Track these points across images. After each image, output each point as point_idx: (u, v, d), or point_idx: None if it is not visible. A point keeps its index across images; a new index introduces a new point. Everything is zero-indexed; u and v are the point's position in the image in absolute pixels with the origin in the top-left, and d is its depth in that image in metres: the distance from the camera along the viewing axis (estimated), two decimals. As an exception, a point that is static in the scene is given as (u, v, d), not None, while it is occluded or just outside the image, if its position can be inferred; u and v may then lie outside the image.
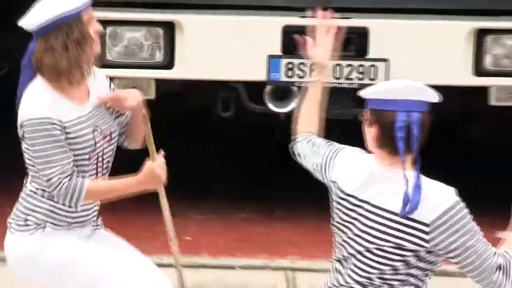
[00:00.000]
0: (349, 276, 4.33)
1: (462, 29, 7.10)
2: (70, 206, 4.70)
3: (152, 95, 7.06)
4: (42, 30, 4.65)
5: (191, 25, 7.19)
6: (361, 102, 6.71)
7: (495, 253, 4.19)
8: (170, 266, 5.68)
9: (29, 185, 4.80)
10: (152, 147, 4.82)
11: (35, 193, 4.76)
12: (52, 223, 4.79)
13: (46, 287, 4.89)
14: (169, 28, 7.16)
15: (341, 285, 4.36)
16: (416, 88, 4.23)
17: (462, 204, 4.14)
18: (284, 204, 7.90)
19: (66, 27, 4.65)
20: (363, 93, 4.25)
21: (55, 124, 4.58)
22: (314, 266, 6.65)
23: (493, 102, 7.15)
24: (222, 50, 7.19)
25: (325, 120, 7.26)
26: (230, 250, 7.11)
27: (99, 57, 4.99)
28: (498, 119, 8.33)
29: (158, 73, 7.09)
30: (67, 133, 4.63)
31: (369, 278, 4.31)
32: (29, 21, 4.70)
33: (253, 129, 8.70)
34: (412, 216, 4.13)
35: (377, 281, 4.30)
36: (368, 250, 4.25)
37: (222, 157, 9.17)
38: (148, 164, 4.65)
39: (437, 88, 4.36)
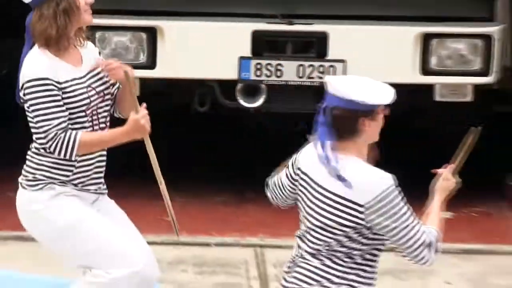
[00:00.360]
0: (302, 247, 4.37)
1: (410, 33, 7.19)
2: (65, 157, 4.73)
3: (137, 93, 7.10)
4: (37, 1, 4.70)
5: (170, 30, 7.27)
6: (322, 98, 6.97)
7: (423, 232, 4.25)
8: (153, 244, 5.67)
9: (33, 145, 4.84)
10: (135, 101, 4.83)
11: (38, 150, 4.80)
12: (59, 181, 4.81)
13: (48, 242, 4.93)
14: (152, 33, 7.25)
15: (296, 255, 4.39)
16: (352, 87, 4.24)
17: (395, 190, 4.19)
18: (254, 188, 7.53)
19: None
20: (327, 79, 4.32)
21: (53, 84, 4.63)
22: (280, 243, 6.69)
23: (437, 98, 7.21)
24: (199, 52, 7.26)
25: (290, 114, 7.35)
26: (207, 229, 7.16)
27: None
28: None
29: (142, 73, 6.97)
30: (64, 92, 4.67)
31: (318, 250, 4.31)
32: None
33: (227, 122, 8.78)
34: (348, 197, 4.18)
35: (325, 252, 4.31)
36: (317, 226, 4.29)
37: (201, 147, 9.14)
38: (132, 116, 4.70)
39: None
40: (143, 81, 7.16)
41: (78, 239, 4.85)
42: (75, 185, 4.89)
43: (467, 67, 7.29)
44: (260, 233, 7.10)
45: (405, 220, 4.20)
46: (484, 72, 7.30)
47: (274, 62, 7.23)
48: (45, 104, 4.72)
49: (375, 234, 4.26)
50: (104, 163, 5.04)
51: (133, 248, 4.89)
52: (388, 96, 4.22)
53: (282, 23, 7.27)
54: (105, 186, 5.07)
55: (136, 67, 6.75)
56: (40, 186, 4.89)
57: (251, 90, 7.37)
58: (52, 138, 4.73)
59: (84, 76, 4.77)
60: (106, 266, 4.80)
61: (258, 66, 7.26)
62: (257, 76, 7.28)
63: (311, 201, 4.27)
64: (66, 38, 4.71)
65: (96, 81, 4.84)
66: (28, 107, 4.80)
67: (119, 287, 4.82)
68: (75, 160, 4.84)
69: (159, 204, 6.72)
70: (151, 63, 7.28)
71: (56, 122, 4.72)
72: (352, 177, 4.21)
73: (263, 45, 7.32)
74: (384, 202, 4.16)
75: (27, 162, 4.94)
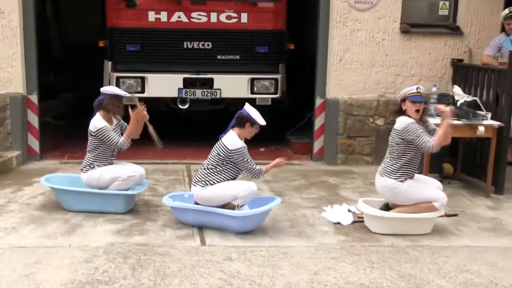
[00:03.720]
0: (202, 165, 4.68)
1: (246, 78, 7.28)
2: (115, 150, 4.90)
3: (137, 102, 6.51)
4: (110, 96, 4.95)
5: (151, 77, 7.22)
6: (211, 104, 7.30)
7: (255, 168, 4.51)
8: (145, 164, 6.12)
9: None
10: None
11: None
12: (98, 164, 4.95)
13: (98, 184, 4.96)
14: (142, 78, 7.21)
15: (200, 169, 4.68)
16: (252, 112, 4.56)
17: (242, 148, 4.47)
18: (186, 140, 7.83)
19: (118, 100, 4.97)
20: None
21: (108, 128, 4.88)
22: (196, 162, 6.62)
23: (257, 103, 7.13)
24: (161, 86, 7.22)
25: (200, 111, 7.48)
26: (167, 158, 7.06)
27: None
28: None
29: (139, 95, 6.91)
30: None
31: (207, 168, 4.63)
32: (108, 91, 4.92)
33: (175, 115, 8.24)
34: (226, 145, 4.53)
35: (211, 168, 4.57)
36: (211, 155, 4.61)
37: (164, 124, 8.70)
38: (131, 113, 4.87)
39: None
40: (140, 98, 6.58)
41: (105, 175, 4.92)
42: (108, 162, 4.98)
43: (268, 91, 7.36)
44: (187, 158, 7.05)
45: (245, 161, 4.51)
46: (275, 93, 7.38)
47: (192, 90, 7.25)
48: (110, 135, 4.81)
49: (235, 163, 4.55)
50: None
51: (131, 167, 5.06)
52: (263, 122, 4.55)
53: (195, 75, 7.27)
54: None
55: (136, 92, 7.07)
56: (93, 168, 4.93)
57: (183, 100, 7.33)
58: (119, 143, 4.85)
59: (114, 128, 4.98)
60: (127, 174, 4.96)
61: (186, 91, 7.25)
62: (186, 95, 7.26)
63: (214, 147, 4.61)
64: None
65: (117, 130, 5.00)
66: (96, 137, 4.81)
67: (132, 179, 4.97)
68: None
69: (151, 150, 6.74)
70: (142, 90, 7.20)
71: (116, 139, 4.86)
72: (227, 139, 4.54)
73: (188, 83, 7.25)
74: (236, 151, 4.51)
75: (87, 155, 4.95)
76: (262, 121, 4.55)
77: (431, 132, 4.68)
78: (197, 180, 4.64)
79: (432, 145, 4.45)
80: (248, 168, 4.52)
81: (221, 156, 4.55)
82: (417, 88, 4.59)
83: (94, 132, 4.90)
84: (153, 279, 3.78)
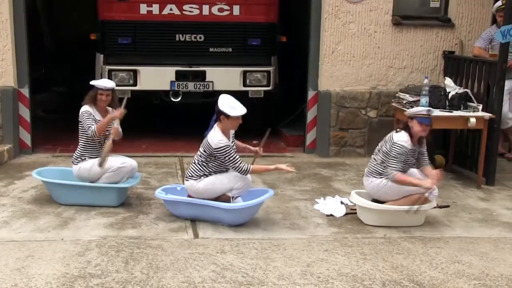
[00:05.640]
0: (193, 160, 4.63)
1: (238, 70, 7.20)
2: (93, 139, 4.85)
3: (129, 95, 6.84)
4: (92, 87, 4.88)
5: (142, 70, 7.14)
6: (204, 96, 7.27)
7: (241, 164, 4.38)
8: (137, 156, 6.17)
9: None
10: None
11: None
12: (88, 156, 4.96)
13: (89, 176, 4.95)
14: (134, 71, 7.14)
15: (191, 163, 4.68)
16: (224, 104, 4.38)
17: (221, 146, 4.34)
18: (178, 133, 7.74)
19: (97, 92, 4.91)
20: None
21: (91, 114, 4.88)
22: (188, 155, 6.70)
23: (250, 95, 7.18)
24: (154, 79, 7.16)
25: (192, 103, 7.48)
26: (160, 151, 7.10)
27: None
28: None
29: (131, 87, 7.11)
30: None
31: (194, 162, 4.62)
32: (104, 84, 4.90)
33: (166, 107, 8.15)
34: (209, 142, 4.47)
35: (197, 164, 4.58)
36: (199, 151, 4.57)
37: (156, 116, 8.73)
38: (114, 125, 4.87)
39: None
40: (132, 91, 7.05)
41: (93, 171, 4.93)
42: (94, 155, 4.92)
43: (261, 83, 7.28)
44: (180, 151, 7.04)
45: (230, 160, 4.39)
46: (267, 85, 7.32)
47: (184, 83, 7.17)
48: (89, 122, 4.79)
49: (217, 159, 4.46)
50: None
51: (124, 159, 5.01)
52: (238, 113, 4.34)
53: (188, 67, 7.20)
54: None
55: (129, 85, 7.09)
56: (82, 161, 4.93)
57: (176, 93, 7.26)
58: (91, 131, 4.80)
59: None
60: (117, 165, 4.93)
61: (178, 84, 7.18)
62: (178, 88, 7.19)
63: (202, 143, 4.60)
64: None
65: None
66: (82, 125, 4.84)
67: (122, 171, 4.94)
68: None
69: (139, 141, 6.84)
70: (135, 83, 7.14)
71: (93, 126, 4.80)
72: (211, 136, 4.47)
73: (180, 76, 7.18)
74: (219, 150, 4.42)
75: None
76: (234, 112, 4.40)
77: (419, 159, 4.72)
78: (189, 175, 4.60)
79: (393, 175, 4.48)
80: (234, 167, 4.42)
81: (207, 153, 4.51)
82: (428, 111, 4.63)
83: (80, 117, 4.90)
84: (146, 272, 3.77)
